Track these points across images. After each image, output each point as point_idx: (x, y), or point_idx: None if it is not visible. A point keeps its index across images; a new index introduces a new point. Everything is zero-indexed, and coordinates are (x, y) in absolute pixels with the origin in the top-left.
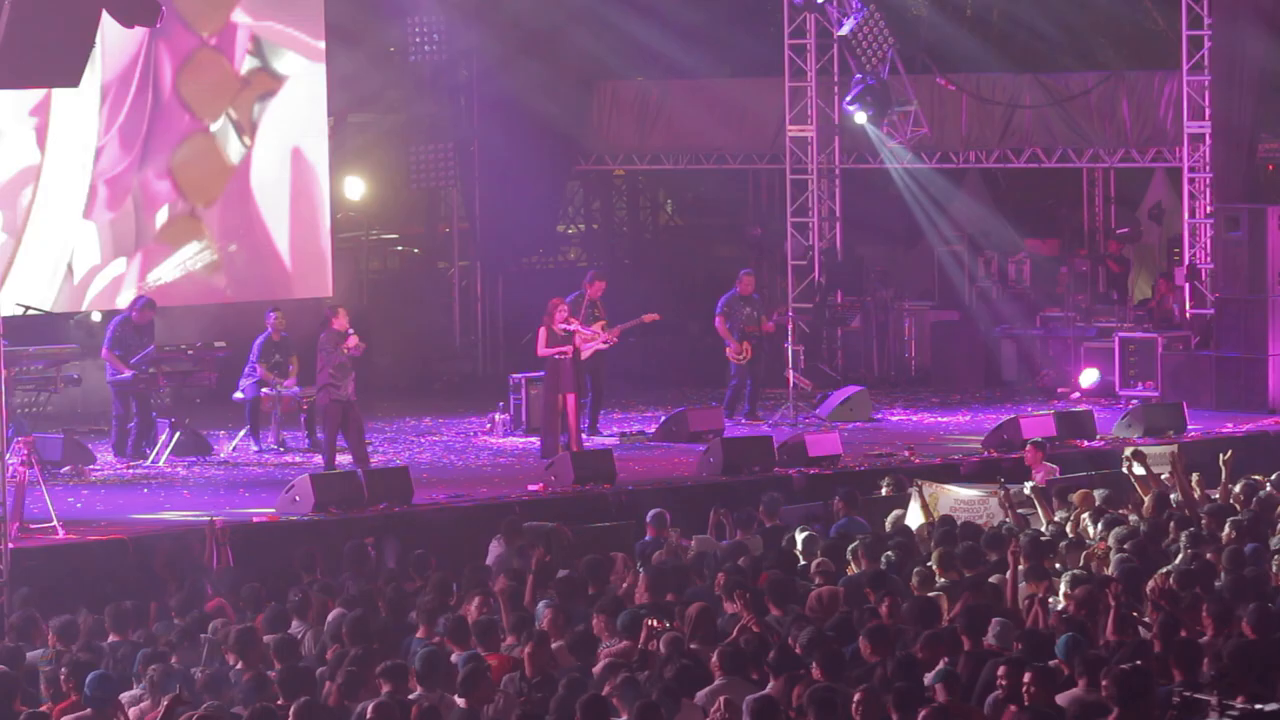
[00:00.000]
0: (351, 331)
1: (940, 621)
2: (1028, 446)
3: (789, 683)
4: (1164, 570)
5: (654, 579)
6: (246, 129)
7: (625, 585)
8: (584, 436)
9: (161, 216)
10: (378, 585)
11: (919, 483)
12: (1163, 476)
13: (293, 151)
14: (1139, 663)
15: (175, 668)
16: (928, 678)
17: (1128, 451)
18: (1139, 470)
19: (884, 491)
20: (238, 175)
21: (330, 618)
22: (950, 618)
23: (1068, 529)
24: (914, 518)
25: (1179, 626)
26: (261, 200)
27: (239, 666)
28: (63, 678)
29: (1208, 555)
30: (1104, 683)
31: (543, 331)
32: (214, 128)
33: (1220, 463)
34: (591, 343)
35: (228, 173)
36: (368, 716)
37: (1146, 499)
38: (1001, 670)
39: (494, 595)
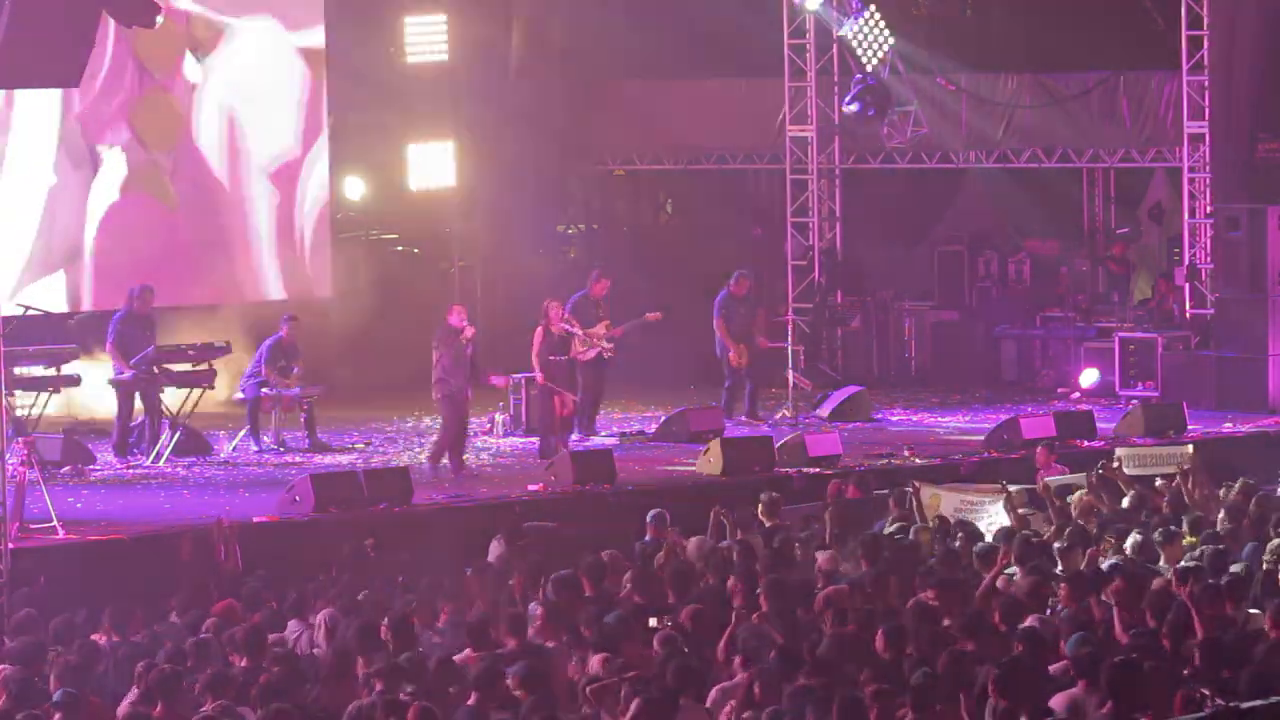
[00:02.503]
0: (466, 324)
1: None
2: (1038, 448)
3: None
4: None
5: (651, 579)
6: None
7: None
8: (580, 437)
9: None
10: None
11: (915, 485)
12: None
13: (292, 150)
14: (1134, 656)
15: (174, 669)
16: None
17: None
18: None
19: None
20: (235, 174)
21: (328, 620)
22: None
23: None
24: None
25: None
26: (260, 200)
27: (243, 664)
28: (53, 682)
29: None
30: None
31: (539, 334)
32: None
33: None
34: (593, 347)
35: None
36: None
37: (1126, 499)
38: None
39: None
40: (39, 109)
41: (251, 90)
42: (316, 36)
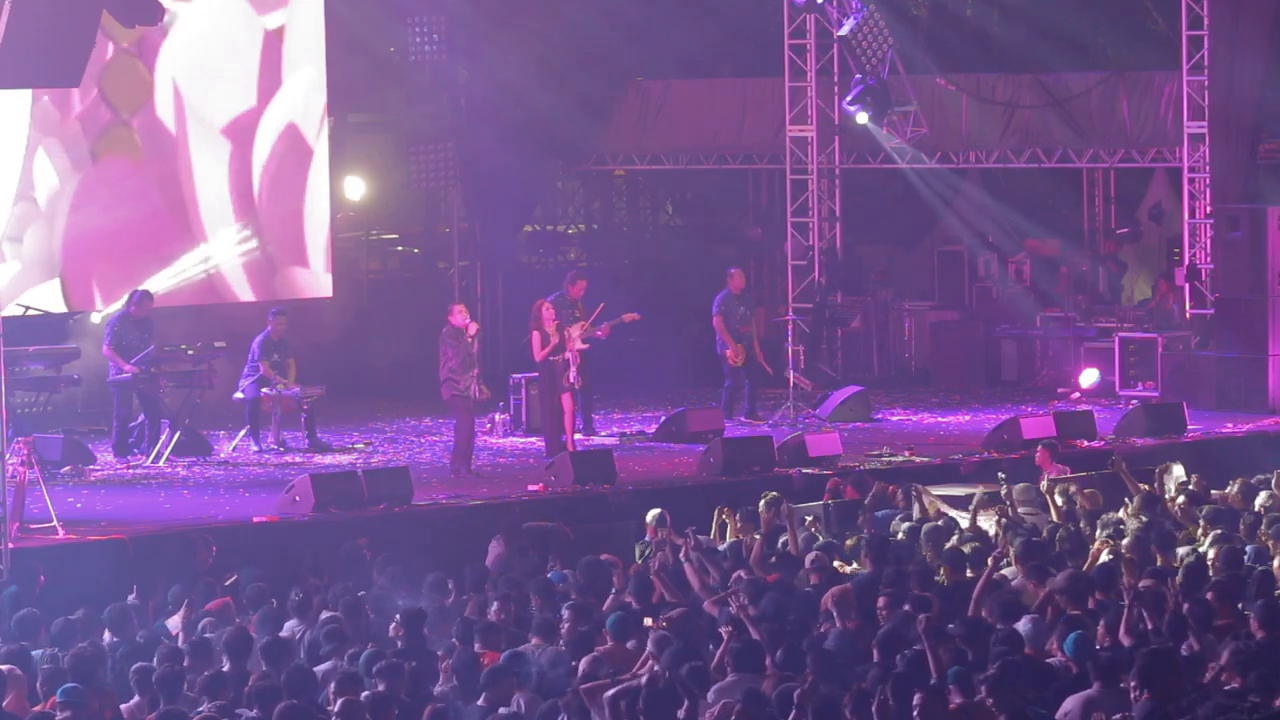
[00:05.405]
0: (469, 321)
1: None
2: (1039, 448)
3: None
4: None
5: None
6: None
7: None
8: (582, 436)
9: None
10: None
11: (917, 487)
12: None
13: (291, 152)
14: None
15: (171, 669)
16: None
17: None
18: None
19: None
20: (235, 175)
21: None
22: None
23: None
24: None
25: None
26: (260, 201)
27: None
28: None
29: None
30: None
31: (536, 336)
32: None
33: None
34: (573, 344)
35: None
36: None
37: (1134, 501)
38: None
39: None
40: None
41: (206, 54)
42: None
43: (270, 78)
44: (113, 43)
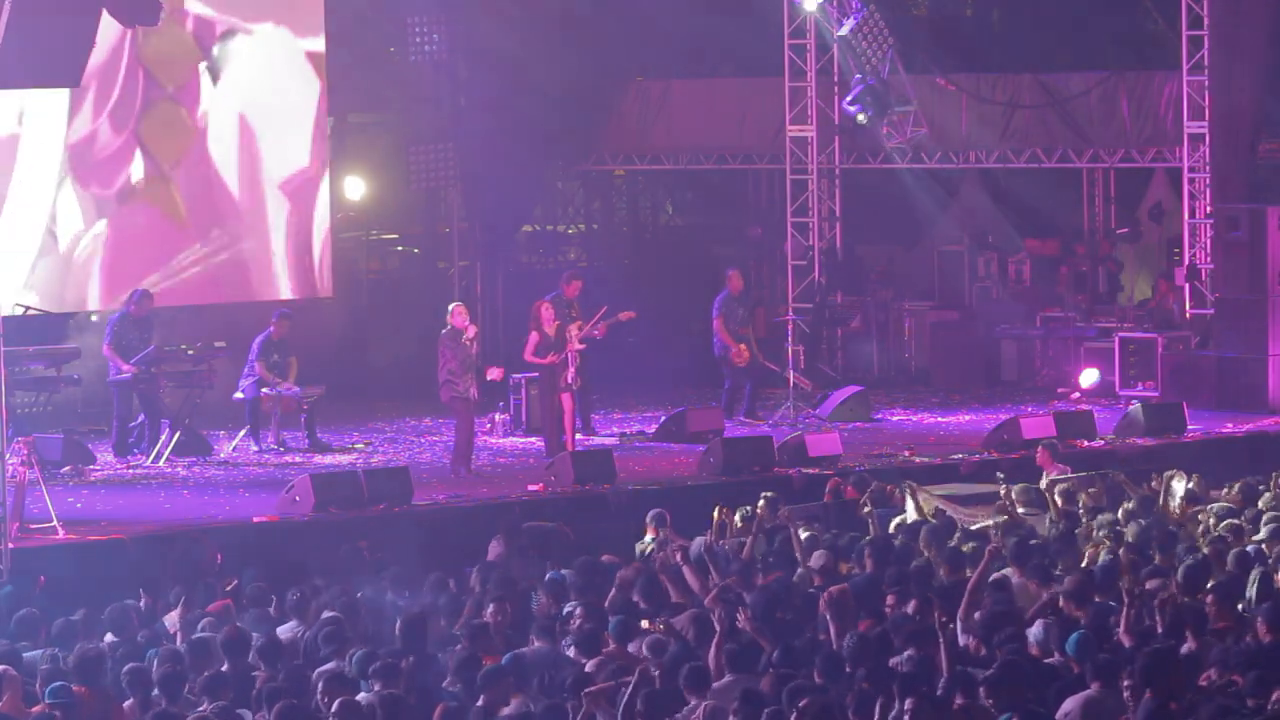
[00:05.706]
0: (469, 324)
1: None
2: (1039, 448)
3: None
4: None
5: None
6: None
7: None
8: (582, 436)
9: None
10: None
11: (910, 484)
12: None
13: (291, 152)
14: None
15: (172, 669)
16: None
17: None
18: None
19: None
20: (246, 185)
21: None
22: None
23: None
24: (910, 518)
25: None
26: (261, 201)
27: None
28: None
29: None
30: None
31: (535, 336)
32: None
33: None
34: (571, 344)
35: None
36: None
37: (1132, 501)
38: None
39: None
40: (48, 118)
41: (263, 100)
42: (317, 36)
43: (322, 113)
44: (156, 86)
